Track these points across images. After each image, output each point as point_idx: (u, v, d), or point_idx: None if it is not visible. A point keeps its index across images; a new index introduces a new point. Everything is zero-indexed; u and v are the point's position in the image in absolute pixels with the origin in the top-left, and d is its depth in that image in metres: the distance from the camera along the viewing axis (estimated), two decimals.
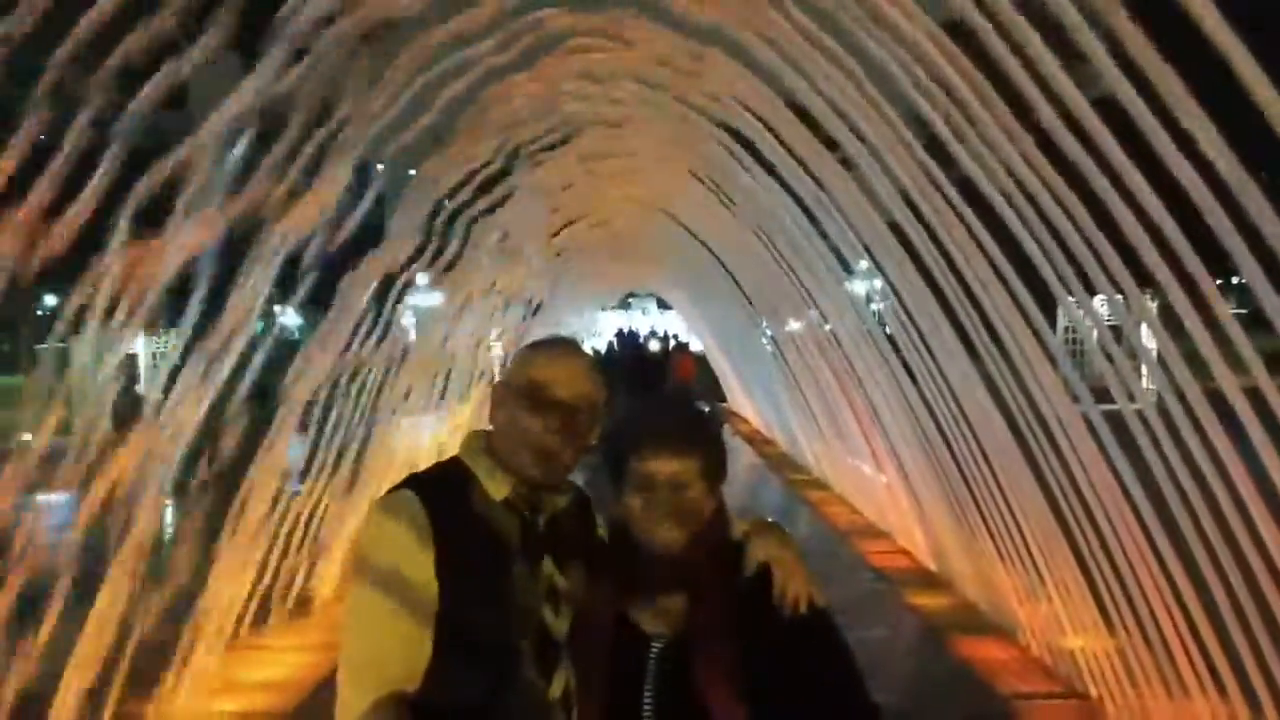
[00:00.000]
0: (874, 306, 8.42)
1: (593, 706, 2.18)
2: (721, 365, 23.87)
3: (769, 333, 13.80)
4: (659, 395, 25.55)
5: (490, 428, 2.37)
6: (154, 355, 21.50)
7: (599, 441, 2.34)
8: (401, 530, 2.18)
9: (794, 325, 12.22)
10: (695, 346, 27.92)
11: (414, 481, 2.32)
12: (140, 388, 17.30)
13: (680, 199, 12.90)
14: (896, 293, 7.10)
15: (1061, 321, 5.14)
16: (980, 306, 5.69)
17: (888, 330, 8.15)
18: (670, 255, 17.95)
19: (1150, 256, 3.95)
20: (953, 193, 5.48)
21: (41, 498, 4.87)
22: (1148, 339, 4.65)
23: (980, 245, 5.38)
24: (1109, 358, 4.87)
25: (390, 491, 2.31)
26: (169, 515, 6.92)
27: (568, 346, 2.43)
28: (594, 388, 2.34)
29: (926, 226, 5.91)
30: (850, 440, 10.80)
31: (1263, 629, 3.87)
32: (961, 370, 6.53)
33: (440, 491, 2.25)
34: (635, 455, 2.24)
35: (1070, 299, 4.81)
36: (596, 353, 29.41)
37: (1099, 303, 4.83)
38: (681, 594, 2.22)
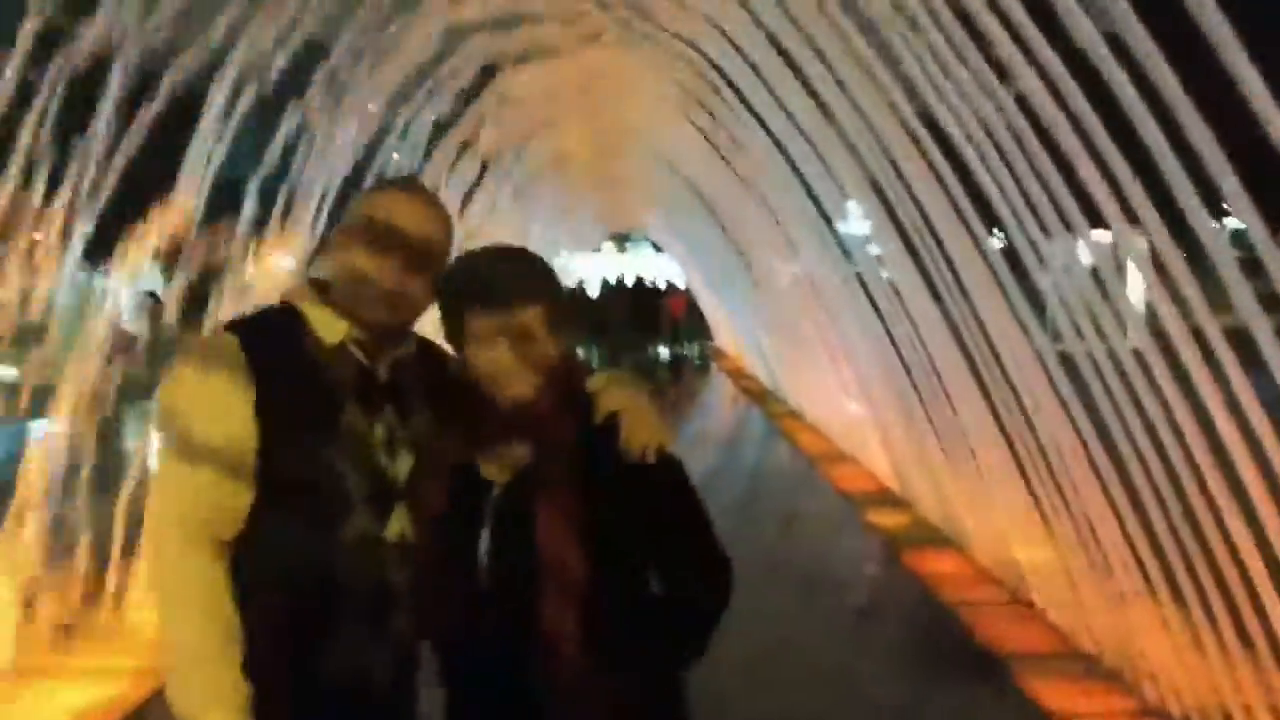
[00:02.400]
0: (869, 249, 8.28)
1: (431, 551, 2.00)
2: (709, 305, 23.80)
3: (753, 274, 13.71)
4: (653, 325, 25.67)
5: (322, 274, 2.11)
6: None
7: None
8: (216, 373, 1.94)
9: (775, 267, 12.14)
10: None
11: (233, 324, 2.07)
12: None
13: (670, 141, 12.61)
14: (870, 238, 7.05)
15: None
16: (944, 249, 5.64)
17: (859, 272, 8.10)
18: (663, 199, 17.74)
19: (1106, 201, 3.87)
20: (924, 136, 5.39)
21: None
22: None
23: (946, 190, 5.29)
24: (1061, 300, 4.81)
25: (207, 338, 2.08)
26: None
27: (410, 183, 2.17)
28: (440, 224, 2.09)
29: (898, 172, 5.82)
30: (823, 374, 10.79)
31: (1193, 539, 3.88)
32: (924, 310, 6.49)
33: (262, 334, 2.01)
34: (472, 308, 1.97)
35: (1029, 241, 4.74)
36: (583, 290, 28.93)
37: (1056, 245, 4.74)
38: (526, 442, 2.02)
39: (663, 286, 28.67)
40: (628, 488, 1.99)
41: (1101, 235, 4.46)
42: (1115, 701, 4.62)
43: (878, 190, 6.27)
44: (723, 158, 10.63)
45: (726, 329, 22.78)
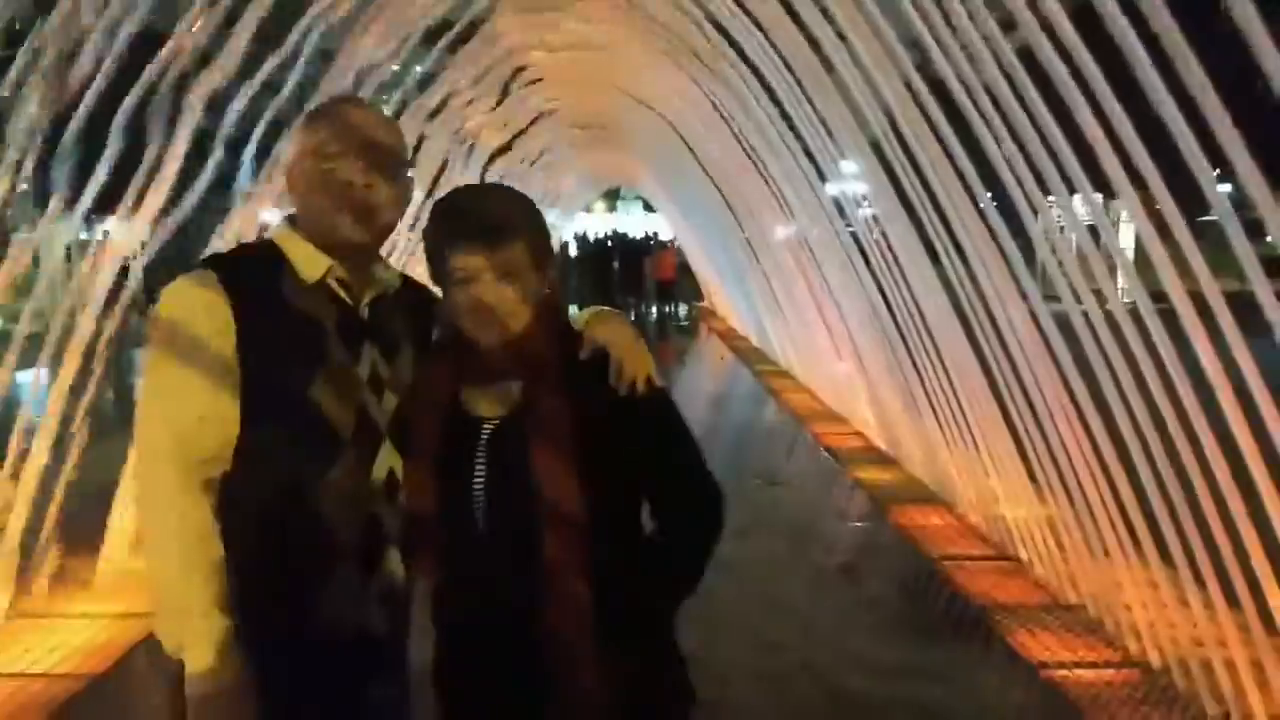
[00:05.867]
0: (863, 211, 8.25)
1: (423, 489, 1.98)
2: (700, 266, 23.74)
3: (745, 233, 13.66)
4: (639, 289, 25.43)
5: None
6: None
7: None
8: (198, 305, 1.92)
9: (768, 226, 12.10)
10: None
11: (214, 259, 2.05)
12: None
13: (664, 94, 12.47)
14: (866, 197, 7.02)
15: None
16: (940, 207, 5.62)
17: (854, 233, 8.07)
18: (656, 156, 17.59)
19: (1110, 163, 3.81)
20: (923, 90, 5.34)
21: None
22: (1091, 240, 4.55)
23: (945, 149, 5.27)
24: (1058, 260, 4.79)
25: (189, 270, 2.03)
26: None
27: (352, 97, 2.18)
28: (392, 128, 2.07)
29: (896, 129, 5.78)
30: (815, 333, 10.81)
31: (1181, 497, 3.91)
32: (920, 270, 6.49)
33: (243, 269, 2.00)
34: (454, 248, 1.93)
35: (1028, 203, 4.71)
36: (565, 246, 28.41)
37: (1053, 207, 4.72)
38: (515, 379, 1.99)
39: (650, 243, 28.27)
40: (617, 421, 1.97)
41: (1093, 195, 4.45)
42: (1098, 653, 4.69)
43: (875, 147, 6.24)
44: (718, 113, 10.53)
45: (716, 289, 22.75)
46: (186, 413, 1.91)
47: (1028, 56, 3.99)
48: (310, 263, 2.01)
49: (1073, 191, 4.25)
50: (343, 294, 2.03)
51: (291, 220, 2.08)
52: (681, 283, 25.98)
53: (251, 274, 1.99)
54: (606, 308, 2.17)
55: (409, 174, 2.14)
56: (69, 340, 5.31)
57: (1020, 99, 4.22)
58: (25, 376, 5.51)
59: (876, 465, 8.43)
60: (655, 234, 27.17)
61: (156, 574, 1.91)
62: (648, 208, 31.92)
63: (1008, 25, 4.10)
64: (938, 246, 5.87)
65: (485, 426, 2.00)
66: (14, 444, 5.13)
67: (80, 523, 5.61)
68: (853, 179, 8.29)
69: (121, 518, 5.67)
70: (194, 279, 1.97)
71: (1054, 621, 5.05)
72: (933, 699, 4.40)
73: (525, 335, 1.98)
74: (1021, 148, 4.39)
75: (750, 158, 10.19)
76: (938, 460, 7.19)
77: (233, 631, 1.88)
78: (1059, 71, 3.73)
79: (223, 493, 1.94)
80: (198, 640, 1.86)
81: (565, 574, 1.91)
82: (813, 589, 5.76)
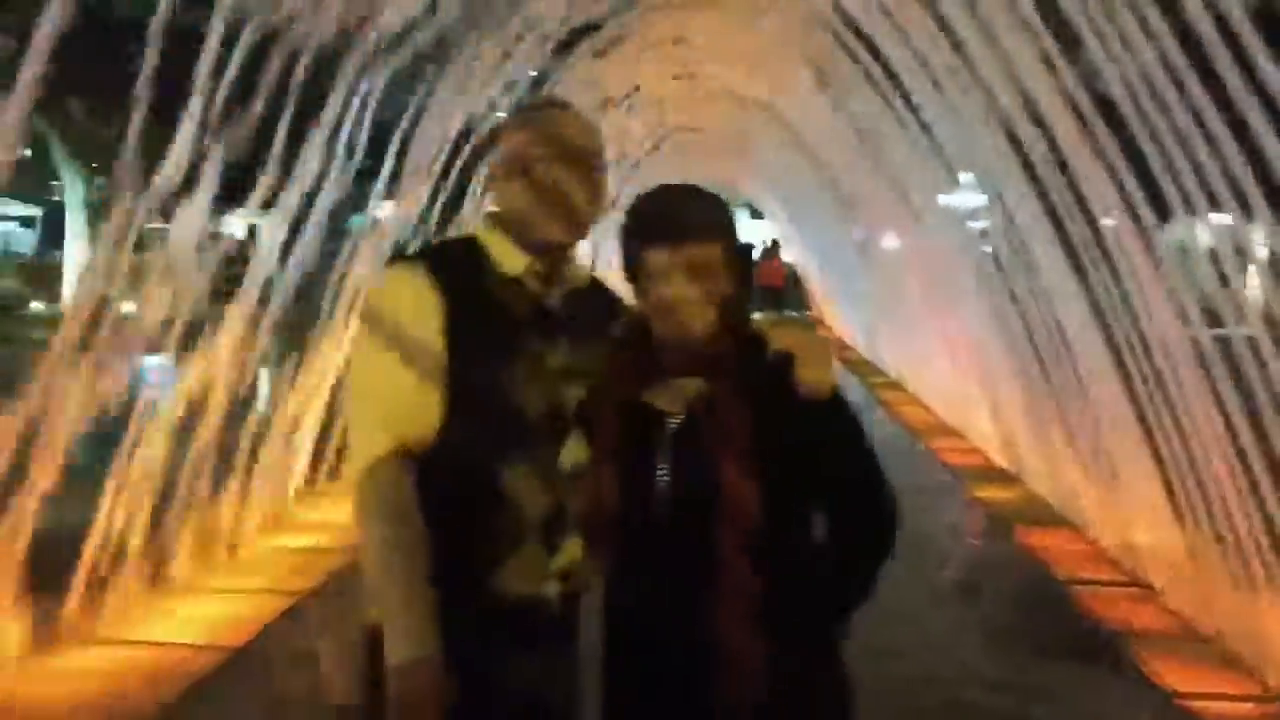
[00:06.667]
0: (976, 224, 8.13)
1: (605, 480, 2.04)
2: (808, 273, 23.52)
3: (859, 241, 13.53)
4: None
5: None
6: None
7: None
8: (409, 294, 2.05)
9: (885, 234, 11.98)
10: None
11: (423, 253, 2.19)
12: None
13: (779, 100, 12.38)
14: (1001, 200, 6.88)
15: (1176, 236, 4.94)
16: (1090, 216, 5.48)
17: (985, 238, 7.94)
18: (766, 163, 17.48)
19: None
20: (1080, 97, 5.21)
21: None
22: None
23: (1099, 153, 5.13)
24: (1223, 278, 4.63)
25: (398, 260, 2.17)
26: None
27: (558, 101, 2.28)
28: (595, 133, 2.19)
29: (1046, 135, 5.64)
30: (929, 345, 10.65)
31: None
32: (1059, 282, 6.35)
33: (449, 262, 2.12)
34: (653, 242, 2.00)
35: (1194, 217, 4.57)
36: None
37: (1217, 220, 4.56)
38: (699, 377, 2.04)
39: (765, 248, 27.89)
40: (797, 426, 2.01)
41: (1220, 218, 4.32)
42: (1237, 685, 4.55)
43: (1017, 149, 6.10)
44: (839, 115, 10.45)
45: (823, 298, 22.56)
46: (395, 394, 2.03)
47: (1199, 55, 3.86)
48: (510, 258, 2.14)
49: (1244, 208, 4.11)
50: (539, 289, 2.14)
51: (493, 217, 2.20)
52: (790, 291, 25.78)
53: (456, 266, 2.11)
54: (793, 314, 2.21)
55: (606, 174, 2.24)
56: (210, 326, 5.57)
57: (1191, 109, 4.11)
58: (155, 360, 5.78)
59: (998, 483, 8.27)
60: (774, 240, 26.61)
61: (366, 546, 2.02)
62: (754, 214, 31.76)
63: (1177, 25, 3.97)
64: (1084, 259, 5.74)
65: (669, 423, 2.05)
66: (152, 423, 5.36)
67: (220, 499, 5.87)
68: (981, 185, 8.14)
69: (260, 494, 5.90)
70: (405, 268, 2.10)
71: (1189, 651, 4.90)
72: (1053, 716, 4.32)
73: (711, 335, 2.03)
74: (1191, 159, 4.27)
75: (873, 162, 10.09)
76: (1065, 480, 7.03)
77: (435, 604, 1.98)
78: (1234, 82, 3.62)
79: (418, 472, 2.04)
80: (403, 611, 1.97)
81: (738, 573, 1.96)
82: (934, 607, 5.68)
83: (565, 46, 9.43)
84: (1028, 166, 6.03)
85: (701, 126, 15.93)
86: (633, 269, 2.06)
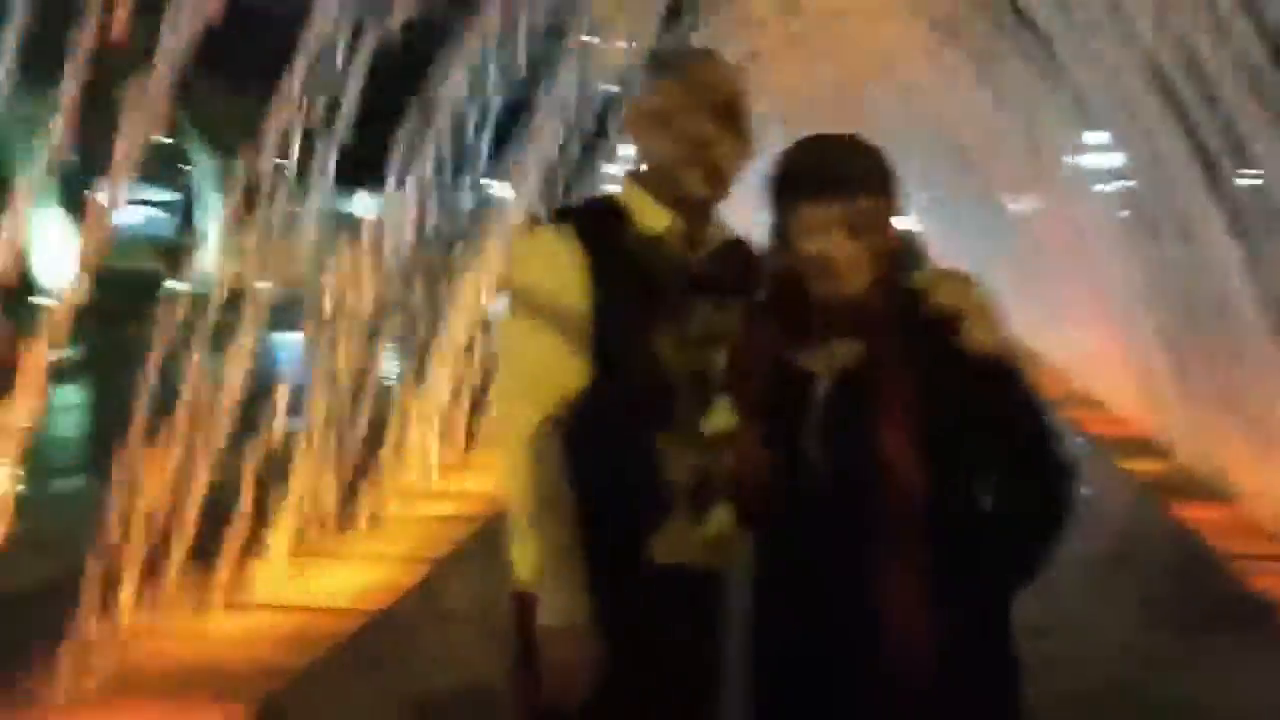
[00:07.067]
0: (1109, 188, 7.76)
1: (756, 450, 1.94)
2: (927, 239, 22.85)
3: (984, 202, 13.06)
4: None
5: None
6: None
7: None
8: (553, 259, 2.00)
9: (1014, 192, 11.54)
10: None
11: (566, 213, 2.13)
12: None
13: (908, 61, 11.99)
14: (1149, 156, 6.52)
15: None
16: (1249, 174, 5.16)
17: (1129, 197, 7.57)
18: (884, 125, 17.00)
19: None
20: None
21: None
22: None
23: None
24: None
25: (541, 223, 2.13)
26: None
27: (698, 49, 2.17)
28: (740, 80, 2.08)
29: (1206, 88, 5.30)
30: (1068, 314, 10.26)
31: None
32: (1214, 247, 6.01)
33: (594, 223, 2.05)
34: (808, 196, 1.87)
35: None
36: None
37: None
38: (853, 337, 1.91)
39: None
40: (962, 387, 1.87)
41: None
42: None
43: (1172, 102, 5.76)
44: (968, 72, 10.06)
45: (944, 263, 21.84)
46: (542, 363, 2.00)
47: None
48: (653, 216, 2.06)
49: None
50: (682, 248, 2.07)
51: (635, 174, 2.12)
52: (909, 258, 25.18)
53: (599, 227, 2.05)
54: (952, 268, 2.07)
55: (751, 125, 2.13)
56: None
57: None
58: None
59: (1145, 454, 7.91)
60: None
61: (516, 516, 2.01)
62: None
63: None
64: (1242, 221, 5.41)
65: (822, 387, 1.94)
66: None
67: (364, 468, 6.02)
68: (1125, 143, 7.76)
69: (402, 463, 6.04)
70: (548, 231, 2.06)
71: None
72: (1217, 695, 4.10)
73: (868, 293, 1.91)
74: None
75: (1005, 119, 9.71)
76: (1219, 451, 6.68)
77: (585, 572, 1.95)
78: None
79: (566, 440, 2.00)
80: (554, 580, 1.96)
81: (903, 543, 1.85)
82: (1082, 581, 5.44)
83: (673, 14, 9.31)
84: (1183, 121, 5.69)
85: (815, 84, 15.59)
86: (781, 222, 1.94)
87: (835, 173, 1.90)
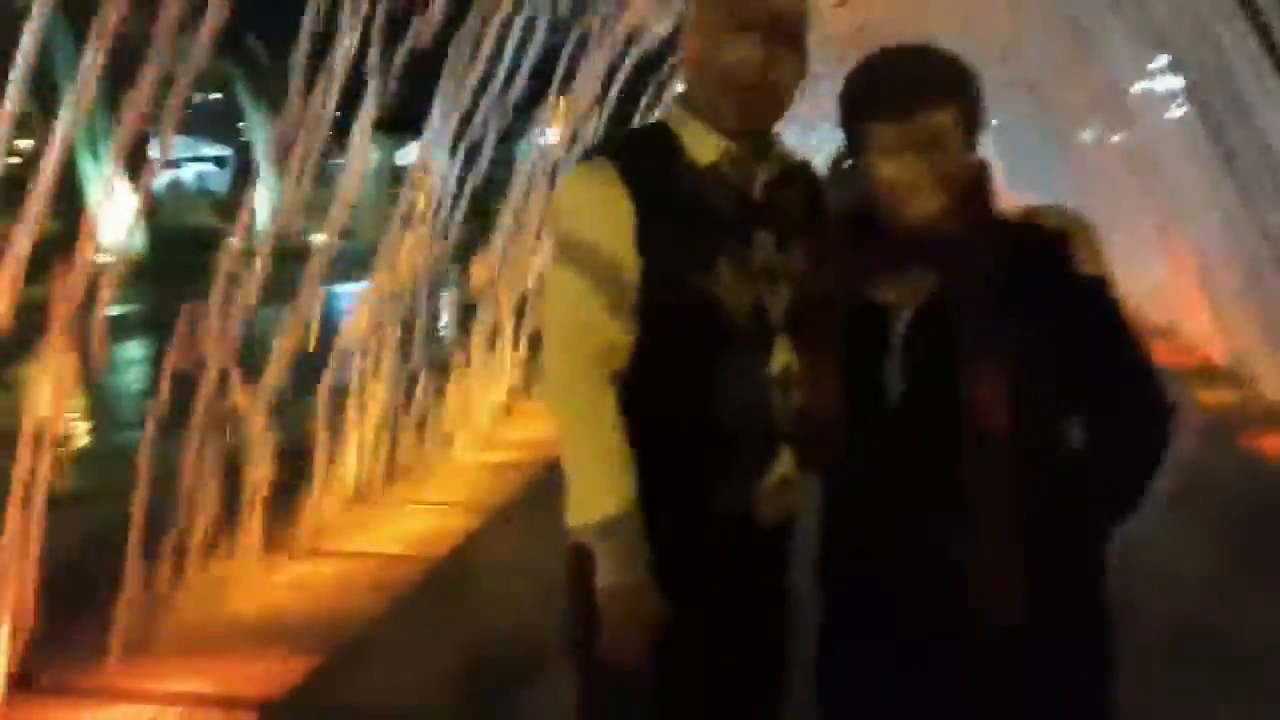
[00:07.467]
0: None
1: (825, 384, 1.86)
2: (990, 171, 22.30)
3: (1057, 135, 12.66)
4: None
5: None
6: None
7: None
8: (597, 203, 1.88)
9: (1082, 122, 11.18)
10: None
11: (611, 148, 2.03)
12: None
13: None
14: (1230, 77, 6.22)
15: None
16: None
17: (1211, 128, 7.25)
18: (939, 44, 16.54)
19: None
20: None
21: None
22: None
23: None
24: None
25: (586, 159, 2.02)
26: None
27: None
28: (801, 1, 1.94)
29: None
30: (1137, 243, 9.94)
31: None
32: None
33: (640, 157, 1.93)
34: (875, 111, 1.77)
35: None
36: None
37: None
38: (933, 265, 1.80)
39: None
40: (1055, 316, 1.76)
41: None
42: None
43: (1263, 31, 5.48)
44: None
45: (1006, 196, 21.36)
46: (586, 313, 1.90)
47: None
48: (704, 145, 1.93)
49: None
50: (738, 177, 1.95)
51: (684, 100, 2.00)
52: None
53: (647, 160, 1.93)
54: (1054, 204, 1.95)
55: (807, 44, 2.00)
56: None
57: None
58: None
59: (1220, 384, 7.71)
60: None
61: (572, 470, 1.93)
62: None
63: None
64: None
65: (899, 319, 1.83)
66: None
67: (421, 415, 6.07)
68: (1186, 68, 7.42)
69: (461, 412, 6.08)
70: (592, 170, 1.95)
71: None
72: None
73: (948, 215, 1.79)
74: None
75: (1070, 45, 9.36)
76: None
77: (643, 524, 1.89)
78: None
79: (621, 385, 1.93)
80: (611, 534, 1.88)
81: (990, 487, 1.75)
82: (1156, 519, 5.30)
83: None
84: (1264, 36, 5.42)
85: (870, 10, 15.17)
86: (853, 142, 1.84)
87: (902, 87, 1.79)
